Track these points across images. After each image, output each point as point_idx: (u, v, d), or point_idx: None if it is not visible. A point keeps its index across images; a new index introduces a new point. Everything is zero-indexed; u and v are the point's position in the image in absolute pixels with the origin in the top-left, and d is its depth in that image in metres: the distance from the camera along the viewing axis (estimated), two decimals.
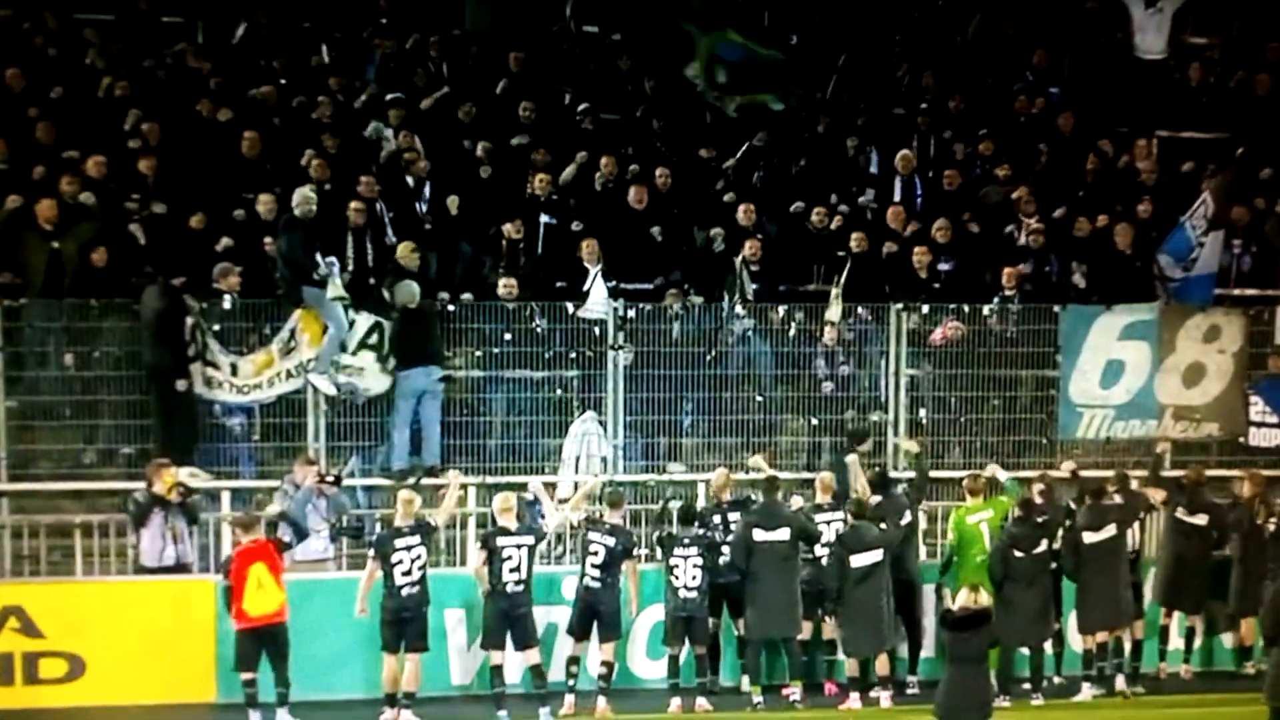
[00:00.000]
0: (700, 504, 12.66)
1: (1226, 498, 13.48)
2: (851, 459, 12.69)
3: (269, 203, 12.85)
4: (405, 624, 11.36)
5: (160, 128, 13.13)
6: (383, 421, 12.74)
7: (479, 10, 15.32)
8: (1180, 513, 12.71)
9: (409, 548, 11.32)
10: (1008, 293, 13.71)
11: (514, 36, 15.04)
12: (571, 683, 11.72)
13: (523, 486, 12.38)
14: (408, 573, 11.29)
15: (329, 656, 11.76)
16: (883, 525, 12.10)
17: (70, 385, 12.40)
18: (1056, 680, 12.56)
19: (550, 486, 12.39)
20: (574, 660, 11.75)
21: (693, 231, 13.99)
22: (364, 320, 12.65)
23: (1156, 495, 12.81)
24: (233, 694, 11.40)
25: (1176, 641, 12.98)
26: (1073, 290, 14.19)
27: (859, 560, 11.90)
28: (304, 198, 12.42)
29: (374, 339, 12.64)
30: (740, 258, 13.43)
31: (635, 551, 11.87)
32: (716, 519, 12.20)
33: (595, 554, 11.65)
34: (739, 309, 13.15)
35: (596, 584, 11.65)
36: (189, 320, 12.20)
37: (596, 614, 11.68)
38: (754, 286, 13.35)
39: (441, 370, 12.64)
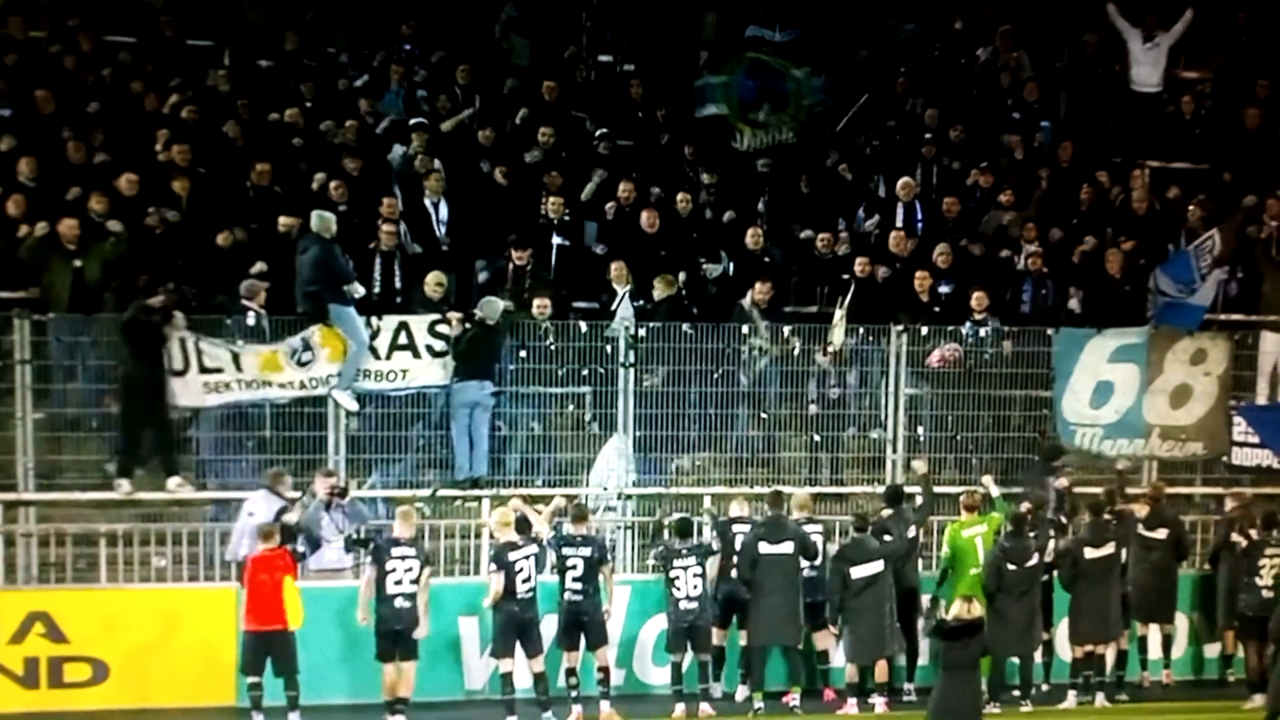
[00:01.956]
0: (706, 516, 13.52)
1: (1210, 514, 14.54)
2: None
3: (289, 223, 13.63)
4: (398, 635, 12.01)
5: (191, 149, 13.92)
6: (403, 435, 13.52)
7: (519, 44, 16.31)
8: (1141, 529, 13.62)
9: (403, 558, 12.00)
10: (978, 317, 14.60)
11: (548, 67, 15.98)
12: (574, 693, 12.50)
13: (535, 499, 13.17)
14: (399, 582, 11.96)
15: (342, 662, 12.55)
16: (886, 537, 13.00)
17: (97, 398, 13.10)
18: (1044, 688, 13.45)
19: (542, 499, 13.10)
20: (571, 672, 12.51)
21: (701, 256, 14.92)
22: (388, 324, 13.37)
23: (1140, 510, 13.76)
24: None
25: (1157, 651, 13.91)
26: (1068, 314, 15.13)
27: (860, 571, 12.76)
28: (322, 219, 13.22)
29: (404, 338, 13.37)
30: (750, 299, 14.23)
31: (609, 557, 12.65)
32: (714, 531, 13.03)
33: (574, 567, 12.35)
34: (758, 344, 13.95)
35: (579, 596, 12.37)
36: (178, 335, 12.77)
37: (581, 625, 12.42)
38: (765, 323, 14.12)
39: (494, 385, 13.46)
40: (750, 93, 15.89)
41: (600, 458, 13.80)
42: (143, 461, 12.90)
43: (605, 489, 13.85)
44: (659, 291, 14.18)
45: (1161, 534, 13.66)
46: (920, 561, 13.64)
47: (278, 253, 13.59)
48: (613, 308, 14.08)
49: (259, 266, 13.41)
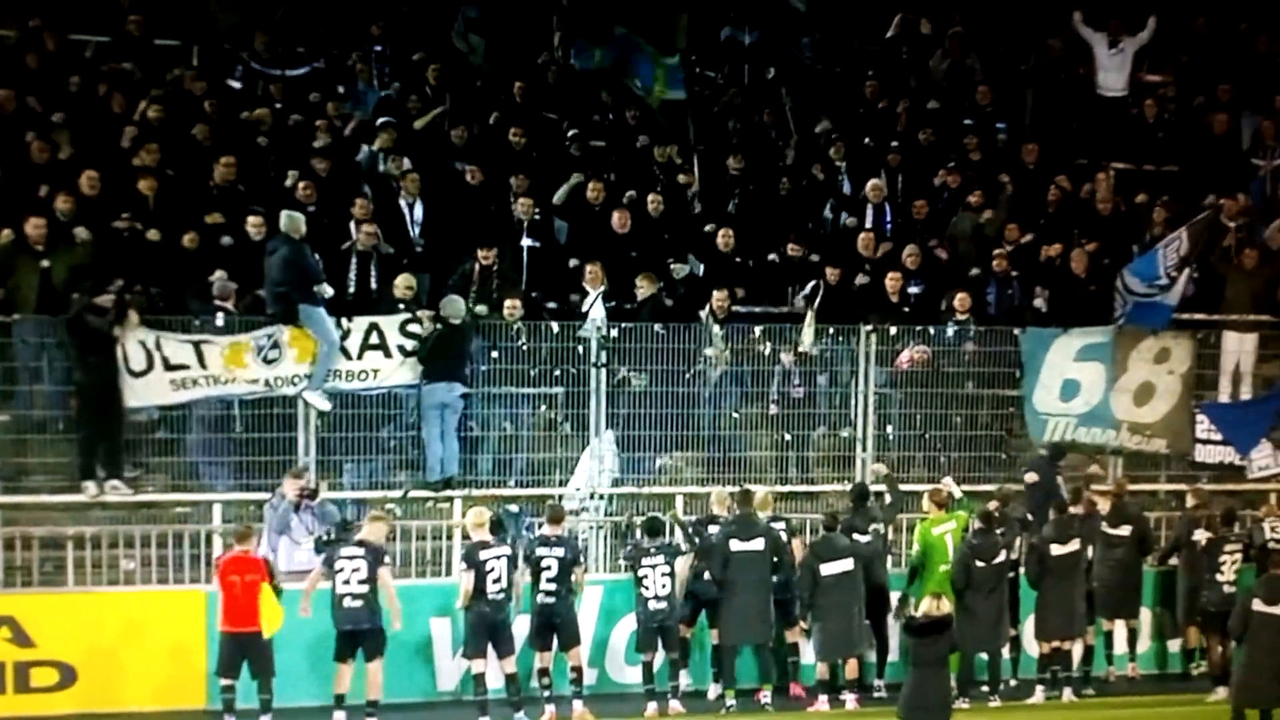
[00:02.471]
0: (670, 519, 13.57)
1: (1174, 510, 14.87)
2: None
3: (258, 224, 13.68)
4: (354, 636, 12.08)
5: (160, 149, 13.92)
6: (373, 436, 13.60)
7: (476, 43, 16.47)
8: (1105, 526, 13.93)
9: (351, 557, 12.04)
10: (960, 317, 14.92)
11: (508, 68, 16.14)
12: (546, 694, 12.65)
13: (507, 499, 13.36)
14: (347, 581, 12.01)
15: (310, 664, 12.59)
16: (856, 535, 13.21)
17: (63, 400, 13.09)
18: (1012, 683, 13.73)
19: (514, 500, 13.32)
20: (544, 672, 12.66)
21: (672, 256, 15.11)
22: (359, 325, 13.46)
23: (1103, 507, 14.04)
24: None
25: (1122, 646, 14.24)
26: (1033, 314, 15.41)
27: (829, 569, 12.97)
28: (291, 219, 13.27)
29: (375, 338, 13.46)
30: (708, 309, 14.30)
31: (582, 559, 12.85)
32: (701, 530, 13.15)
33: (548, 568, 12.49)
34: (710, 352, 14.12)
35: (551, 598, 12.51)
36: (137, 337, 12.76)
37: (554, 626, 12.56)
38: (721, 332, 14.20)
39: (464, 387, 13.58)
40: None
41: (581, 462, 13.95)
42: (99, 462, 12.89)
43: (578, 489, 13.99)
44: (643, 290, 14.31)
45: (1125, 530, 13.99)
46: (890, 559, 13.87)
47: (245, 253, 13.61)
48: (584, 309, 14.23)
49: (219, 274, 13.42)
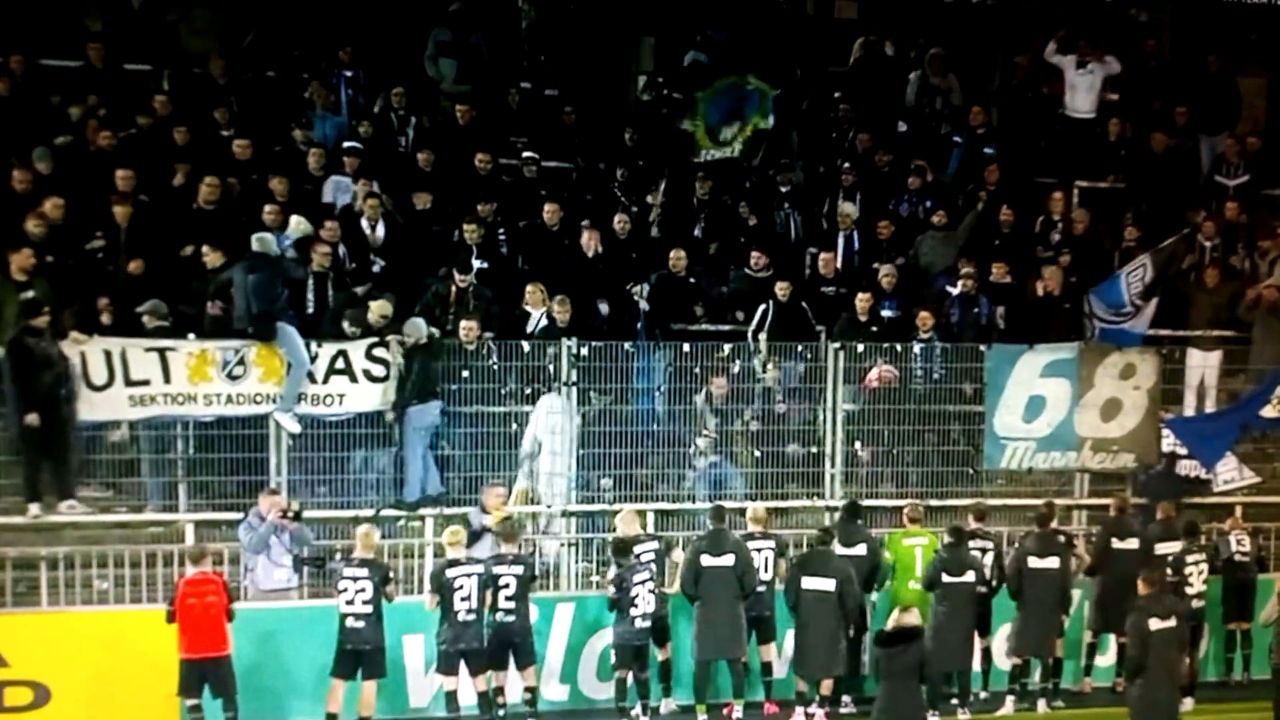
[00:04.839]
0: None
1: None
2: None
3: (216, 260, 14.14)
4: (356, 655, 12.55)
5: (135, 175, 14.47)
6: (345, 456, 14.10)
7: (444, 67, 17.07)
8: (1114, 541, 14.44)
9: (355, 578, 12.59)
10: (924, 335, 15.53)
11: (478, 93, 16.79)
12: (501, 712, 13.11)
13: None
14: (350, 602, 12.51)
15: (288, 685, 13.05)
16: (849, 549, 13.65)
17: None
18: (983, 695, 14.22)
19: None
20: (499, 690, 13.10)
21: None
22: (327, 350, 13.93)
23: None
24: None
25: (1100, 658, 14.76)
26: (997, 330, 16.00)
27: (811, 584, 13.38)
28: (263, 241, 13.82)
29: (340, 363, 13.96)
30: (704, 394, 14.68)
31: (536, 576, 13.37)
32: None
33: (506, 586, 12.91)
34: (701, 442, 14.70)
35: (511, 616, 12.90)
36: (102, 348, 13.14)
37: (511, 644, 12.99)
38: (716, 420, 14.70)
39: (440, 403, 14.07)
40: (722, 114, 16.92)
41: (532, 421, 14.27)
42: (59, 483, 13.34)
43: (549, 506, 14.52)
44: (560, 314, 14.63)
45: (1133, 544, 14.40)
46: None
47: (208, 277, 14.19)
48: (528, 330, 14.70)
49: (153, 303, 13.86)
